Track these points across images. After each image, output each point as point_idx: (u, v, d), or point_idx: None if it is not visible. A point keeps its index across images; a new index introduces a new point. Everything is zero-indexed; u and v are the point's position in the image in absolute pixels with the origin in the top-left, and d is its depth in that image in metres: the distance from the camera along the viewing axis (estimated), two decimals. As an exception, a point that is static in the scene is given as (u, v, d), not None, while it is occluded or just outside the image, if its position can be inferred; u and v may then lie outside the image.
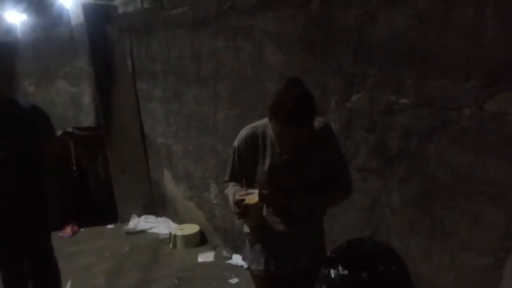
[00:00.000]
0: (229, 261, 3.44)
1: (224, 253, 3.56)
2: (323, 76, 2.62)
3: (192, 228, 3.91)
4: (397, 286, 2.18)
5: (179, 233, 3.84)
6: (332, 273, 2.19)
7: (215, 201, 3.73)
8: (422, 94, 2.10)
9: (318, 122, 1.60)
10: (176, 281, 3.19)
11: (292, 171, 1.60)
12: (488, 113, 1.85)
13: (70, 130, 4.62)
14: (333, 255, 2.30)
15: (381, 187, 2.34)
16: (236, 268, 3.31)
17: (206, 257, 3.57)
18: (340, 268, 2.17)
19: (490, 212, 1.85)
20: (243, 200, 1.50)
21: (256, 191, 1.51)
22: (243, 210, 1.52)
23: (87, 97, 5.55)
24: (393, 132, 2.26)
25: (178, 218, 4.25)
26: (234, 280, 3.13)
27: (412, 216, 2.19)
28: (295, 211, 1.61)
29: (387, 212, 2.32)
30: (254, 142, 1.62)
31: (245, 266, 3.27)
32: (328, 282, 2.19)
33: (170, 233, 3.89)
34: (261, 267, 1.70)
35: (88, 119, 5.52)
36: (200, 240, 3.85)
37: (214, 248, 3.71)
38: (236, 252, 3.46)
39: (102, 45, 4.41)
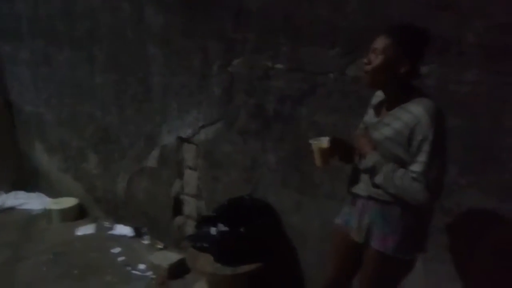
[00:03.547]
0: (111, 232, 3.32)
1: (106, 224, 3.43)
2: (204, 40, 2.62)
3: (69, 202, 3.66)
4: (272, 236, 2.38)
5: (54, 207, 3.57)
6: (213, 230, 2.32)
7: (95, 171, 3.54)
8: (295, 60, 2.25)
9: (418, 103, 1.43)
10: (52, 256, 2.98)
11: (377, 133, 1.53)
12: (349, 77, 2.07)
13: None
14: (214, 214, 2.41)
15: (259, 147, 2.48)
16: (119, 237, 3.22)
17: (85, 229, 3.39)
18: (220, 225, 2.31)
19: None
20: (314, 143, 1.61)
21: (327, 138, 1.60)
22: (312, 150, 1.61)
23: None
24: (270, 95, 2.39)
25: (53, 192, 3.93)
26: (116, 250, 3.05)
27: (285, 173, 2.38)
28: (364, 172, 1.56)
29: (265, 170, 2.47)
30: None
31: (129, 235, 3.21)
32: (209, 239, 2.31)
33: (45, 208, 3.58)
34: (336, 221, 1.72)
35: None
36: (78, 214, 3.63)
37: (95, 220, 3.53)
38: (119, 222, 3.36)
39: None
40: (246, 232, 2.23)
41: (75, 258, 2.98)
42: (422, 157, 1.37)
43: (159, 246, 3.03)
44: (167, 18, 2.79)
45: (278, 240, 2.39)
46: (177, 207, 2.97)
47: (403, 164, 1.44)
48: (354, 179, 1.62)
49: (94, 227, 3.43)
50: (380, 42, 1.44)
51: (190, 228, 2.87)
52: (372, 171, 1.49)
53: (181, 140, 2.87)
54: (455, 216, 1.81)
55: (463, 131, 1.74)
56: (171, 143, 2.93)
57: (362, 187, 1.56)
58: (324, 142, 1.60)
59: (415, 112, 1.39)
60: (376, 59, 1.44)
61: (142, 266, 2.83)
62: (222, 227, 2.27)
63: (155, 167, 3.06)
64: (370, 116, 1.64)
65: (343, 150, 1.65)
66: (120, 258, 2.96)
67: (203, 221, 2.40)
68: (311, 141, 1.62)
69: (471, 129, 1.73)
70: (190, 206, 2.91)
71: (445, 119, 1.42)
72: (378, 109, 1.60)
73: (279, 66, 2.32)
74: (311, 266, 2.35)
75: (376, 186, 1.50)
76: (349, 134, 2.08)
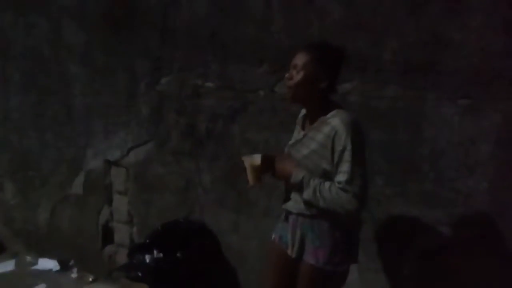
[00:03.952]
0: (34, 267, 3.03)
1: (28, 259, 3.13)
2: (130, 59, 2.52)
3: (-17, 237, 3.29)
4: (210, 259, 2.32)
5: (-35, 244, 3.19)
6: (147, 258, 2.21)
7: (12, 202, 3.22)
8: (224, 78, 2.24)
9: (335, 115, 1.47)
10: (-37, 303, 2.65)
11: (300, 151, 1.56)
12: (278, 94, 2.09)
13: None
14: (147, 241, 2.29)
15: (193, 168, 2.41)
16: (43, 273, 2.94)
17: (4, 266, 3.06)
18: (155, 252, 2.21)
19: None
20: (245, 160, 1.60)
21: (259, 155, 1.59)
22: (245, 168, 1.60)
23: None
24: (201, 114, 2.35)
25: (-36, 228, 3.51)
26: (41, 287, 2.78)
27: (221, 192, 2.34)
28: (292, 189, 1.57)
29: (200, 191, 2.41)
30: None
31: (55, 269, 2.96)
32: (143, 268, 2.19)
33: (-47, 247, 3.19)
34: (272, 236, 1.73)
35: None
36: (-5, 249, 3.28)
37: (14, 255, 3.21)
38: (43, 256, 3.08)
39: None
40: (183, 257, 2.15)
41: (-8, 301, 2.67)
42: (344, 167, 1.41)
43: (89, 279, 2.82)
44: (88, 36, 2.65)
45: (217, 262, 2.33)
46: (107, 236, 2.79)
47: (330, 177, 1.47)
48: (286, 196, 1.64)
49: (13, 263, 3.11)
50: (300, 59, 1.50)
51: (122, 257, 2.69)
52: (300, 187, 1.51)
53: (109, 163, 2.72)
54: (383, 225, 1.88)
55: (385, 144, 1.83)
56: (97, 167, 2.76)
57: (292, 204, 1.58)
58: (256, 159, 1.59)
59: (332, 123, 1.44)
60: (297, 75, 1.49)
61: (70, 303, 2.62)
62: (156, 254, 2.17)
63: (80, 194, 2.86)
64: (296, 132, 1.68)
65: (274, 166, 1.66)
66: (45, 296, 2.71)
67: (136, 249, 2.28)
68: (243, 158, 1.61)
69: (393, 141, 1.82)
70: (121, 233, 2.75)
71: (361, 129, 1.46)
72: (303, 124, 1.65)
73: (209, 84, 2.30)
74: (251, 286, 2.32)
75: (306, 202, 1.51)
76: (281, 149, 2.11)
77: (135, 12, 2.45)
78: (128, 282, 2.20)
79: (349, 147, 1.40)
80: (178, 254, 2.15)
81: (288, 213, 1.62)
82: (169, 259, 2.14)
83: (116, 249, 2.78)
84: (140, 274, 2.18)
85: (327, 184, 1.44)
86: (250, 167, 1.58)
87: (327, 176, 1.47)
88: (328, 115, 1.48)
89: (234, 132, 2.26)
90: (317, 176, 1.48)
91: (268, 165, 1.61)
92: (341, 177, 1.41)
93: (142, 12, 2.43)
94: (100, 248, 2.81)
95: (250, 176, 1.60)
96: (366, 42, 1.84)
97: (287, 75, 1.51)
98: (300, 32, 1.98)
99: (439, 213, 1.75)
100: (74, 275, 2.91)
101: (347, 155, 1.40)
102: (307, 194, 1.48)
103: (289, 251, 1.60)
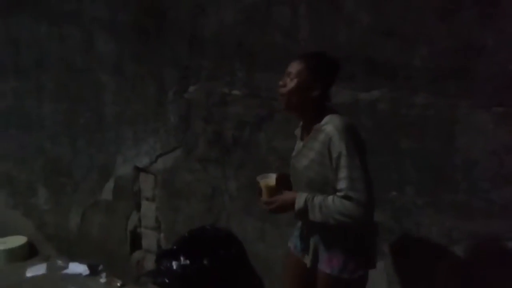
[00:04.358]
0: (65, 271, 3.11)
1: (59, 263, 3.21)
2: (159, 67, 2.57)
3: (17, 240, 3.40)
4: (236, 267, 2.31)
5: (1, 247, 3.30)
6: (174, 264, 2.22)
7: (45, 207, 3.33)
8: (251, 86, 2.25)
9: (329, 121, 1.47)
10: (-2, 303, 2.74)
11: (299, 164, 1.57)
12: (305, 102, 2.08)
13: None
14: (174, 247, 2.31)
15: (220, 175, 2.43)
16: (73, 277, 3.02)
17: (36, 270, 3.16)
18: (181, 258, 2.22)
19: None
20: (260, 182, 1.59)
21: (274, 175, 1.57)
22: (259, 190, 1.59)
23: None
24: (228, 122, 2.36)
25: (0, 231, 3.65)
26: (71, 291, 2.86)
27: (247, 200, 2.34)
28: (301, 218, 1.58)
29: (226, 198, 2.42)
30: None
31: (84, 274, 3.02)
32: (170, 274, 2.20)
33: (-11, 249, 3.32)
34: (289, 244, 1.74)
35: None
36: (28, 253, 3.38)
37: (46, 259, 3.31)
38: (73, 260, 3.15)
39: None
40: (209, 264, 2.15)
41: (26, 303, 2.76)
42: (343, 173, 1.38)
43: (118, 284, 2.87)
44: (118, 45, 2.72)
45: (243, 270, 2.32)
46: (135, 241, 2.84)
47: (334, 185, 1.44)
48: None
49: (45, 267, 3.20)
50: (294, 67, 1.51)
51: (149, 263, 2.73)
52: (305, 211, 1.46)
53: (138, 170, 2.77)
54: (413, 236, 1.83)
55: (416, 152, 1.79)
56: (126, 173, 2.81)
57: None
58: (271, 179, 1.57)
59: (326, 130, 1.44)
60: (291, 83, 1.50)
61: (99, 307, 2.67)
62: (183, 261, 2.18)
63: (110, 199, 2.92)
64: (297, 143, 1.67)
65: (289, 184, 1.64)
66: (75, 299, 2.78)
67: (163, 255, 2.30)
68: (258, 179, 1.59)
69: (424, 150, 1.78)
70: (149, 239, 2.79)
71: (356, 132, 1.45)
72: (301, 135, 1.64)
73: (236, 92, 2.31)
74: (276, 294, 2.30)
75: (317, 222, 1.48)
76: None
77: (163, 22, 2.50)
78: (156, 288, 2.22)
79: (344, 152, 1.38)
80: (205, 261, 2.15)
81: (301, 222, 1.62)
82: (195, 266, 2.14)
83: (144, 255, 2.82)
84: (167, 281, 2.19)
85: (330, 198, 1.42)
86: (266, 188, 1.56)
87: (331, 184, 1.45)
88: (322, 122, 1.48)
89: (260, 140, 2.26)
90: (321, 186, 1.47)
91: (283, 184, 1.59)
92: (341, 184, 1.39)
93: (171, 22, 2.47)
94: (128, 253, 2.86)
95: (265, 197, 1.57)
96: (395, 48, 1.81)
97: (280, 82, 1.53)
98: (327, 40, 1.97)
99: (473, 224, 1.69)
100: (103, 279, 2.96)
101: (344, 161, 1.38)
102: (314, 214, 1.44)
103: (305, 260, 1.60)
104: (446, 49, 1.71)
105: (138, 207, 2.81)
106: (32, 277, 3.08)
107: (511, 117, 1.62)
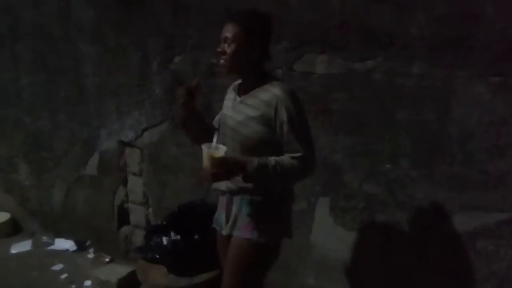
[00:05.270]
0: (51, 247, 3.06)
1: (45, 239, 3.15)
2: (142, 36, 2.45)
3: (0, 217, 3.32)
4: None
5: (-17, 224, 3.22)
6: (164, 240, 2.19)
7: (27, 183, 3.22)
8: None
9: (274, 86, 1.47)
10: (-17, 281, 2.68)
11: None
12: (297, 72, 2.01)
13: None
14: (164, 222, 2.27)
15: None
16: (60, 253, 2.97)
17: (21, 246, 3.09)
18: (172, 234, 2.18)
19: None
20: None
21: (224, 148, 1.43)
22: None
23: None
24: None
25: (-20, 208, 3.54)
26: (58, 267, 2.81)
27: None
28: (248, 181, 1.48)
29: (215, 172, 2.37)
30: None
31: (71, 249, 2.98)
32: (160, 249, 2.17)
33: (-29, 227, 3.22)
34: (214, 225, 1.75)
35: None
36: (12, 229, 3.30)
37: (31, 235, 3.24)
38: (59, 236, 3.10)
39: None
40: (201, 239, 2.13)
41: (12, 280, 2.69)
42: (297, 135, 1.42)
43: (106, 260, 2.83)
44: (98, 13, 2.57)
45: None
46: (123, 217, 2.79)
47: (268, 144, 1.46)
48: None
49: (30, 243, 3.14)
50: (230, 31, 1.48)
51: (138, 238, 2.69)
52: (258, 173, 1.40)
53: (123, 144, 2.68)
54: (408, 208, 1.83)
55: (411, 124, 1.76)
56: (111, 148, 2.72)
57: (227, 183, 1.55)
58: (220, 151, 1.41)
59: (273, 91, 1.45)
60: (229, 48, 1.47)
61: (88, 283, 2.62)
62: (174, 236, 2.15)
63: (95, 175, 2.84)
64: (228, 103, 1.62)
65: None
66: (63, 276, 2.72)
67: (153, 231, 2.26)
68: (203, 147, 1.42)
69: (419, 122, 1.75)
70: (137, 214, 2.74)
71: (299, 98, 1.48)
72: (238, 91, 1.60)
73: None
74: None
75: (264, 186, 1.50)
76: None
77: (146, -12, 2.36)
78: (146, 264, 2.19)
79: (295, 114, 1.42)
80: (196, 236, 2.13)
81: (223, 194, 1.63)
82: (186, 241, 2.12)
83: (132, 230, 2.78)
84: (157, 256, 2.16)
85: (284, 158, 1.43)
86: (211, 159, 1.39)
87: (265, 143, 1.46)
88: (267, 85, 1.48)
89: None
90: (254, 145, 1.47)
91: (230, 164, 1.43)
92: (296, 145, 1.42)
93: (154, -13, 2.34)
94: (116, 229, 2.81)
95: (209, 166, 1.39)
96: (391, 16, 1.74)
97: (219, 49, 1.49)
98: (320, 7, 1.88)
99: (468, 196, 1.69)
100: (90, 255, 2.92)
101: (297, 124, 1.42)
102: (269, 175, 1.41)
103: (223, 231, 1.62)
104: (443, 17, 1.65)
105: (124, 182, 2.74)
106: (18, 254, 3.02)
107: (509, 87, 1.59)
